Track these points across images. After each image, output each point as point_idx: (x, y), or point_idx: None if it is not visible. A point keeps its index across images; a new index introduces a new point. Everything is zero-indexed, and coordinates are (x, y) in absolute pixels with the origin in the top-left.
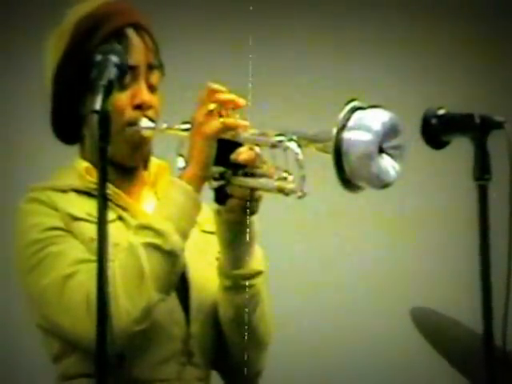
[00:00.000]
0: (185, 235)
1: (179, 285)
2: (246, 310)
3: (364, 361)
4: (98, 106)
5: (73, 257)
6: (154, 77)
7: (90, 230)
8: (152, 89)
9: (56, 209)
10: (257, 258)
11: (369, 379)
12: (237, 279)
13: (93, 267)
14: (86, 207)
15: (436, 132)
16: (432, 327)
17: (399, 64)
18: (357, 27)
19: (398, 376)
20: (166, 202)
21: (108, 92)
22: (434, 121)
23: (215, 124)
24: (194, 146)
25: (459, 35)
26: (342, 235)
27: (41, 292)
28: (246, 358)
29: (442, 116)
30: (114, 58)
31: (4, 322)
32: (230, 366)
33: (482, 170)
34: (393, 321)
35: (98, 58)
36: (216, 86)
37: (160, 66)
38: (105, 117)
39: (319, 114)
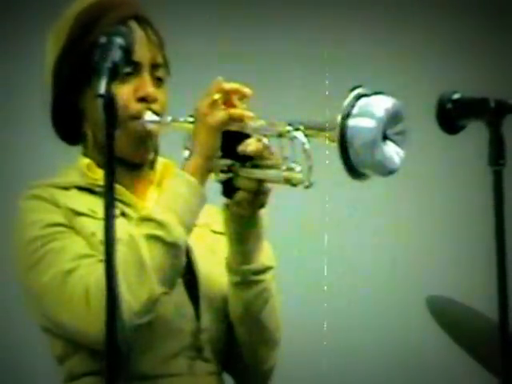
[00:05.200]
0: (188, 228)
1: (188, 280)
2: (256, 305)
3: (379, 349)
4: (102, 89)
5: (73, 252)
6: (160, 71)
7: (92, 225)
8: (158, 83)
9: (57, 205)
10: (266, 253)
11: (384, 368)
12: (246, 274)
13: (93, 262)
14: (88, 203)
15: (451, 117)
16: (447, 315)
17: (411, 49)
18: (367, 12)
19: (414, 364)
20: (168, 193)
21: (113, 75)
22: (448, 105)
23: (220, 115)
24: (198, 137)
25: (472, 19)
26: (353, 224)
27: (42, 289)
28: (256, 355)
29: (456, 100)
30: (119, 40)
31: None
32: (240, 364)
33: (496, 155)
34: (408, 309)
35: (102, 39)
36: (221, 79)
37: (165, 64)
38: (110, 101)
39: (325, 102)
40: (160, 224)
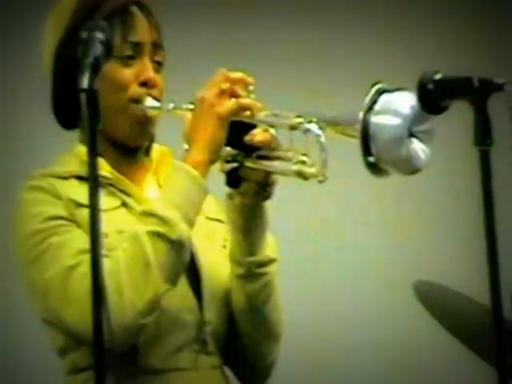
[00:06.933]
0: (191, 223)
1: (190, 272)
2: (259, 298)
3: (366, 335)
4: (85, 84)
5: (75, 247)
6: (160, 55)
7: None
8: (157, 67)
9: (58, 196)
10: (270, 245)
11: (371, 353)
12: (250, 267)
13: None
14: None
15: (433, 97)
16: (435, 300)
17: (397, 31)
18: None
19: (402, 349)
20: (171, 188)
21: (95, 70)
22: (430, 86)
23: (229, 104)
24: (202, 128)
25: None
26: (337, 209)
27: (44, 285)
28: (258, 349)
29: (438, 80)
30: (100, 35)
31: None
32: (241, 358)
33: (482, 134)
34: (396, 295)
35: (83, 35)
36: (226, 70)
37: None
38: (93, 95)
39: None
40: (163, 220)
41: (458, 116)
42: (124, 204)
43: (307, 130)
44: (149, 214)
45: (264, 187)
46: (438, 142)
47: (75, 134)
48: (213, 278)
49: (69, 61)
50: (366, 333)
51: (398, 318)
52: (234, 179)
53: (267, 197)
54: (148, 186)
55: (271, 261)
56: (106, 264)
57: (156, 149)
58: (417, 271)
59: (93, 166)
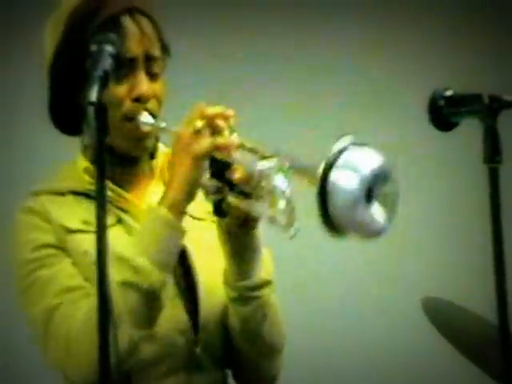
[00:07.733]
0: (166, 268)
1: (187, 289)
2: (253, 321)
3: (374, 351)
4: (93, 97)
5: (60, 284)
6: (155, 65)
7: (85, 242)
8: (153, 77)
9: (49, 221)
10: (264, 267)
11: (379, 369)
12: (242, 291)
13: (78, 297)
14: (83, 213)
15: (444, 114)
16: (443, 317)
17: (405, 46)
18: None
19: (409, 365)
20: (143, 233)
21: (104, 83)
22: (441, 102)
23: (205, 144)
24: (178, 167)
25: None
26: None
27: (31, 319)
28: (257, 367)
29: (449, 97)
30: (109, 48)
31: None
32: (241, 373)
33: (492, 151)
34: (404, 311)
35: (93, 48)
36: (204, 104)
37: (164, 51)
38: (101, 108)
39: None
40: (135, 269)
41: (468, 133)
42: (120, 221)
43: (273, 187)
44: (122, 260)
45: (247, 222)
46: (446, 158)
47: (75, 139)
48: (211, 295)
49: (63, 73)
50: (372, 348)
51: (405, 333)
52: (219, 208)
53: (252, 228)
54: (152, 193)
55: (265, 283)
56: (86, 306)
57: (161, 152)
58: (424, 287)
59: (100, 185)
